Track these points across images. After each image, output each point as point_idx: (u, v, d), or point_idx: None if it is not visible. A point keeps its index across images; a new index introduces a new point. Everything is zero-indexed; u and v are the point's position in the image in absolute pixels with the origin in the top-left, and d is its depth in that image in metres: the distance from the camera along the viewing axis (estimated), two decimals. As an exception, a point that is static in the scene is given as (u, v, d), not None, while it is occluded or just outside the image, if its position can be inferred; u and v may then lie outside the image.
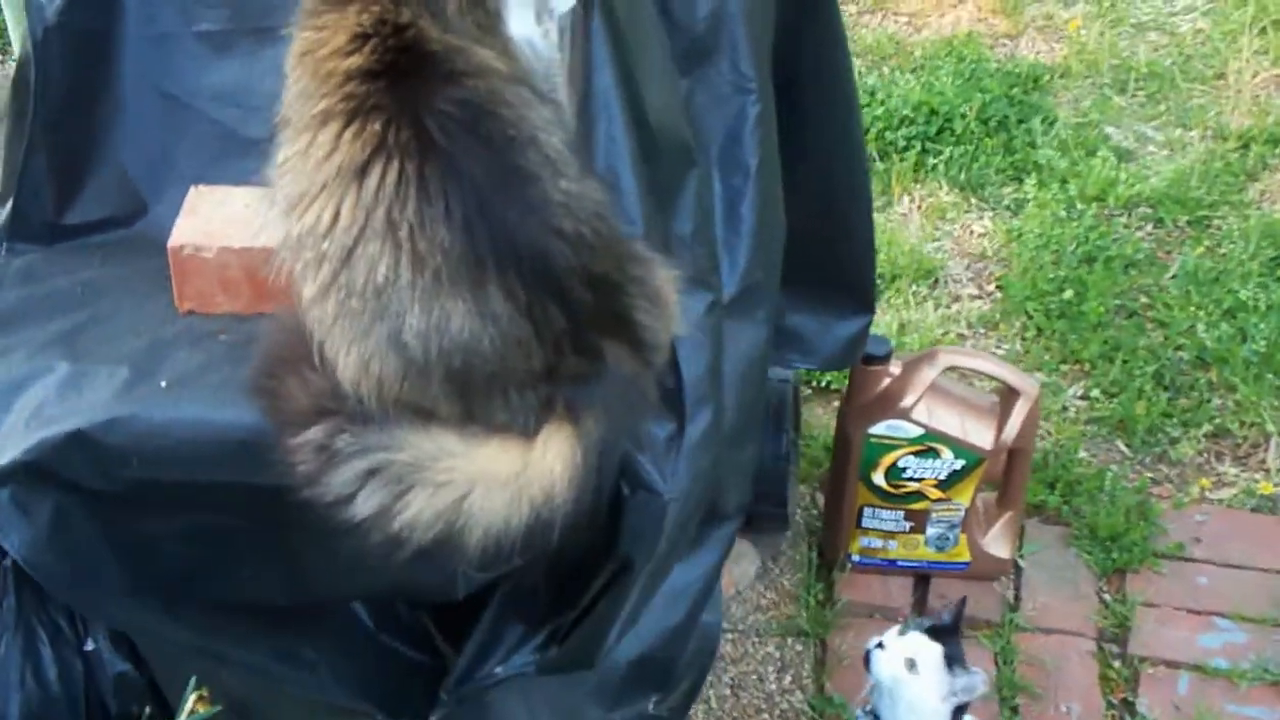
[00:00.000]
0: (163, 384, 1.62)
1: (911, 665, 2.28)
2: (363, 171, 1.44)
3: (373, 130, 1.44)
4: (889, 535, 2.94)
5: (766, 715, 2.75)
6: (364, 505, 1.52)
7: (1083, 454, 3.24)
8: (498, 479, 1.51)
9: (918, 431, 2.80)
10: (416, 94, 1.44)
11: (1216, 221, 3.76)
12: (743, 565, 3.00)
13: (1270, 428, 3.26)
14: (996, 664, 2.87)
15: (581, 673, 1.87)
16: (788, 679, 2.81)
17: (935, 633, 2.31)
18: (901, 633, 2.32)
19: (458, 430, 1.53)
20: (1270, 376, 3.34)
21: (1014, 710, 2.79)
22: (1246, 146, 3.98)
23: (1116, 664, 2.89)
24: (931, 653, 2.28)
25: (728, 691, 2.79)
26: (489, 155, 1.45)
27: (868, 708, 2.36)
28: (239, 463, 1.59)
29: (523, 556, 1.58)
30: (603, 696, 1.96)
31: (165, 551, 1.72)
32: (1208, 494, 3.18)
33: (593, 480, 1.52)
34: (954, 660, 2.29)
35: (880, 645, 2.31)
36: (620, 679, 1.96)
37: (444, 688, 1.80)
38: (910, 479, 2.86)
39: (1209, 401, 3.32)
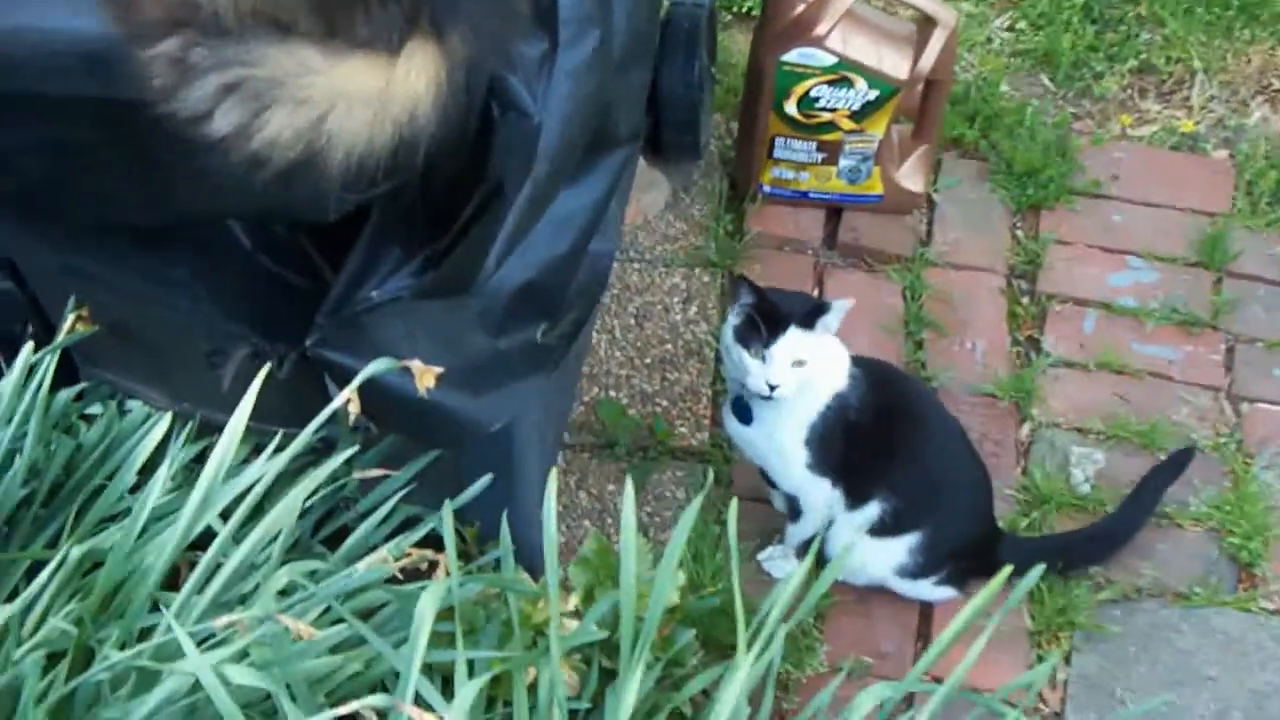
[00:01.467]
0: (7, -11, 1.55)
1: (799, 363, 2.24)
2: None
3: None
4: (801, 166, 2.93)
5: (670, 345, 2.78)
6: (221, 122, 1.48)
7: (1005, 87, 3.21)
8: (359, 97, 1.47)
9: (831, 60, 2.76)
10: None
11: None
12: (652, 194, 2.98)
13: (1197, 64, 3.23)
14: (904, 298, 2.90)
15: (464, 300, 1.86)
16: (693, 309, 2.83)
17: (767, 317, 2.24)
18: (763, 360, 2.24)
19: (318, 45, 1.47)
20: (1200, 11, 3.30)
21: (919, 345, 2.83)
22: None
23: (1025, 300, 2.93)
24: (795, 339, 2.23)
25: (632, 321, 2.81)
26: None
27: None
28: (90, 75, 1.54)
29: (389, 179, 1.55)
30: (487, 324, 1.95)
31: (20, 165, 1.68)
32: (1128, 131, 3.17)
33: (459, 100, 1.48)
34: (806, 318, 2.24)
35: (773, 389, 2.24)
36: (505, 307, 1.95)
37: (320, 312, 1.79)
38: (823, 109, 2.83)
39: (1137, 36, 3.28)
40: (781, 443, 2.33)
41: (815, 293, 2.90)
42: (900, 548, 2.38)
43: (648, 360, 2.75)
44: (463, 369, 1.92)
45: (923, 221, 3.03)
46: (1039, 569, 1.73)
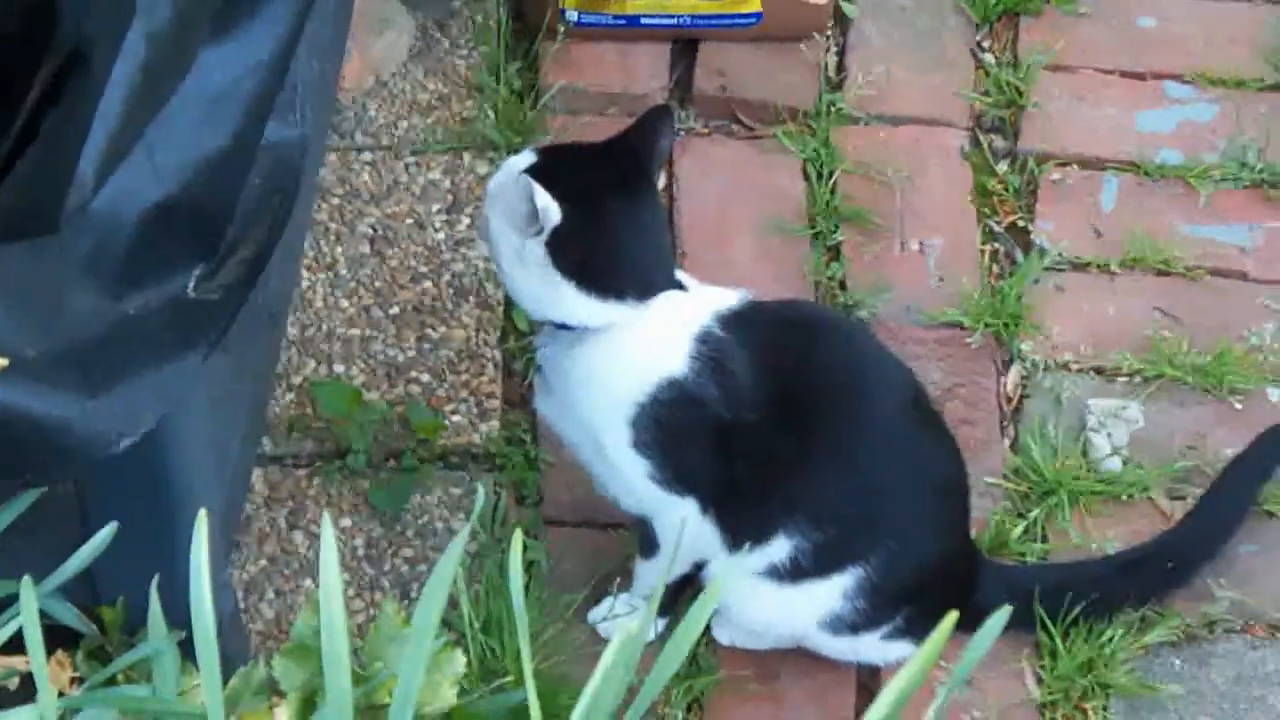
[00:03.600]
0: None
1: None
2: None
3: None
4: (626, -26, 2.95)
5: (430, 283, 2.79)
6: None
7: None
8: None
9: None
10: None
11: None
12: (388, 37, 2.98)
13: None
14: (807, 177, 2.93)
15: (58, 240, 1.86)
16: (463, 222, 2.85)
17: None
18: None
19: None
20: None
21: (833, 252, 2.88)
22: None
23: (1002, 167, 2.97)
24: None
25: (366, 249, 2.81)
26: None
27: None
28: None
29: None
30: (101, 274, 1.94)
31: None
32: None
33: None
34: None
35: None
36: (129, 245, 1.94)
37: None
38: (652, -124, 2.86)
39: None
40: (594, 429, 2.37)
41: (663, 175, 2.91)
42: (830, 593, 2.40)
43: (394, 310, 2.75)
44: (64, 351, 1.92)
45: (831, 51, 3.07)
46: (1004, 612, 1.74)
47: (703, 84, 3.01)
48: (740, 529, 2.39)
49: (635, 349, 2.34)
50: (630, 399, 2.33)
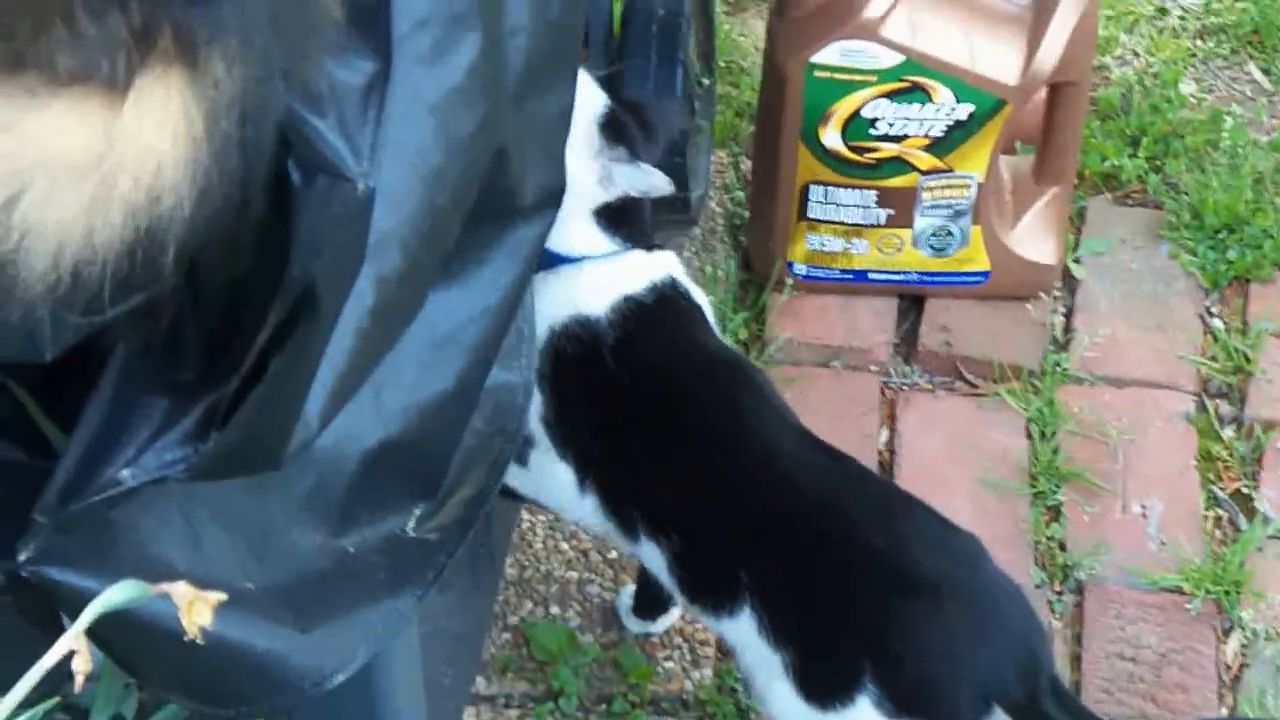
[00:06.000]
0: None
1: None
2: None
3: None
4: (853, 231, 2.97)
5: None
6: None
7: (1189, 87, 3.25)
8: (68, 166, 1.48)
9: (893, 58, 2.80)
10: None
11: None
12: (616, 284, 3.01)
13: None
14: (1030, 437, 2.92)
15: (279, 477, 1.88)
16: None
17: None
18: None
19: (-2, 85, 1.50)
20: None
21: (1054, 512, 2.85)
22: None
23: (1228, 433, 2.95)
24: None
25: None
26: None
27: None
28: None
29: (129, 293, 1.56)
30: (322, 513, 1.96)
31: None
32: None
33: (229, 162, 1.50)
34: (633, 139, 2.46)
35: None
36: (351, 484, 1.96)
37: (39, 505, 1.80)
38: (884, 137, 2.87)
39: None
40: None
41: (885, 430, 2.93)
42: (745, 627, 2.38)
43: (611, 554, 2.76)
44: (281, 585, 1.94)
45: (1057, 311, 3.07)
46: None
47: (927, 339, 3.02)
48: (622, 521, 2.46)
49: (579, 284, 2.46)
50: (547, 323, 2.44)
